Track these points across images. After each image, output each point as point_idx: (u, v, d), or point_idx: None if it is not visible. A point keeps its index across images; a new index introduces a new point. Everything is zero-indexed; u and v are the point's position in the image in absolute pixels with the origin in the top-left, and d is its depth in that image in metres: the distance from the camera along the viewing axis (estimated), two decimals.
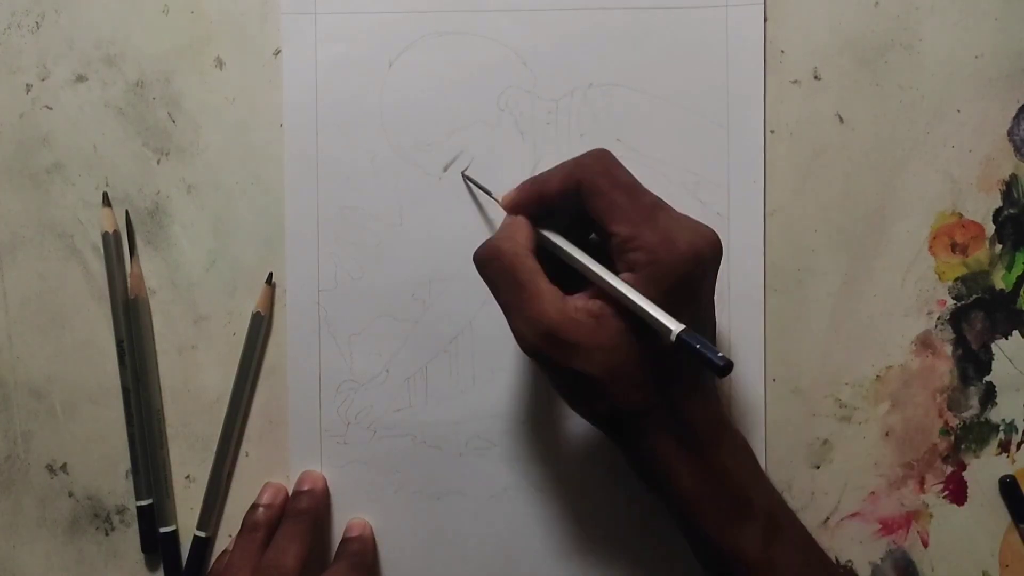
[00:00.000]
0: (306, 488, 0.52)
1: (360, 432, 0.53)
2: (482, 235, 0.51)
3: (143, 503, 0.53)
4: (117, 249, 0.53)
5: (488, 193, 0.51)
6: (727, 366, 0.40)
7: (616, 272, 0.44)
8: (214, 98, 0.53)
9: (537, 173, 0.47)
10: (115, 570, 0.54)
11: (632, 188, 0.44)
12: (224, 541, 0.54)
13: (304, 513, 0.51)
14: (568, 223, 0.47)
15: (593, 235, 0.47)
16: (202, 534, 0.53)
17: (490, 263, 0.45)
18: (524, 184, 0.47)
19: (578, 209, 0.45)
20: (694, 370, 0.45)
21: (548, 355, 0.43)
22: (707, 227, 0.44)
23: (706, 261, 0.43)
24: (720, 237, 0.44)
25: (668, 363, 0.44)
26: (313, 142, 0.52)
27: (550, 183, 0.46)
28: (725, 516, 0.44)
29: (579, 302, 0.43)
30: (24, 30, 0.53)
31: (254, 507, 0.52)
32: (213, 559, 0.53)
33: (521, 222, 0.46)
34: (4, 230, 0.54)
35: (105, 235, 0.53)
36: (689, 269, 0.42)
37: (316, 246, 0.52)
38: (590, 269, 0.44)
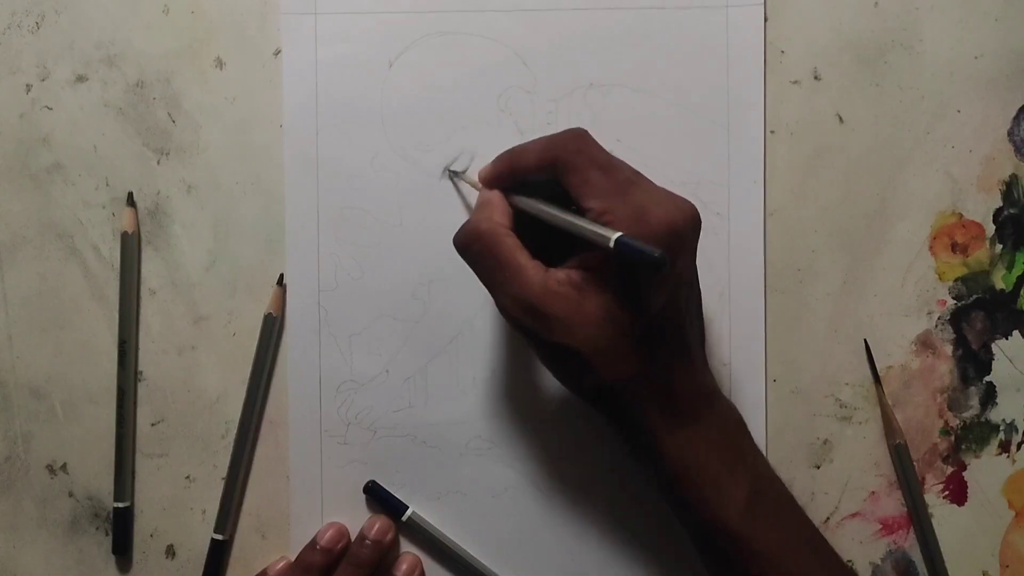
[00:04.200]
0: (374, 537, 0.52)
1: (360, 432, 0.53)
2: None
3: (120, 505, 0.54)
4: (130, 250, 0.53)
5: (475, 186, 0.51)
6: (661, 259, 0.39)
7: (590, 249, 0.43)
8: (214, 98, 0.53)
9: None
10: (115, 570, 0.54)
11: (608, 165, 0.44)
12: (242, 545, 0.54)
13: (365, 565, 0.51)
14: (541, 197, 0.47)
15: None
16: (219, 537, 0.53)
17: (471, 245, 0.45)
18: (500, 156, 0.47)
19: (552, 186, 0.45)
20: (680, 340, 0.45)
21: (533, 329, 0.43)
22: (684, 199, 0.44)
23: (682, 233, 0.43)
24: (701, 216, 0.44)
25: (654, 333, 0.44)
26: (313, 142, 0.52)
27: (526, 157, 0.46)
28: (708, 486, 0.44)
29: (560, 275, 0.43)
30: (24, 30, 0.53)
31: (313, 546, 0.52)
32: (231, 562, 0.54)
33: (496, 198, 0.47)
34: (4, 230, 0.54)
35: (124, 235, 0.53)
36: (661, 241, 0.42)
37: (316, 246, 0.52)
38: (556, 215, 0.44)
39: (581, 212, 0.44)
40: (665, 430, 0.44)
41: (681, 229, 0.43)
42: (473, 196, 0.52)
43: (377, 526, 0.52)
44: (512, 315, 0.44)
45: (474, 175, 0.51)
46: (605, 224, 0.42)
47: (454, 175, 0.52)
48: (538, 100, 0.52)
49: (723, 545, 0.44)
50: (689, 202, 0.44)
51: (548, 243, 0.45)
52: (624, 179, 0.44)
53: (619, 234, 0.41)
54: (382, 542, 0.52)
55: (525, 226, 0.46)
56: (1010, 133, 0.52)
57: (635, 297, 0.43)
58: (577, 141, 0.45)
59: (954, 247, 0.52)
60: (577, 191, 0.44)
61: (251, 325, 0.53)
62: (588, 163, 0.44)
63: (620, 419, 0.46)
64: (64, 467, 0.54)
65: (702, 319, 0.48)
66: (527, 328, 0.44)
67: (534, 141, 0.46)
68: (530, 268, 0.43)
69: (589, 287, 0.43)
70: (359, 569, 0.51)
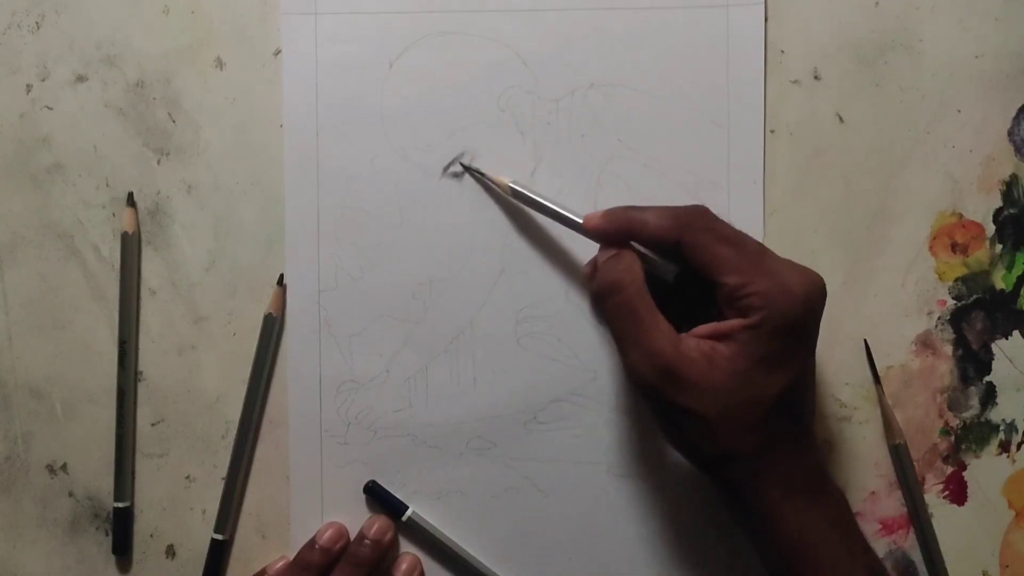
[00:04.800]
0: (373, 537, 0.52)
1: (360, 432, 0.53)
2: (483, 236, 0.52)
3: (120, 505, 0.54)
4: (130, 250, 0.53)
5: (489, 180, 0.51)
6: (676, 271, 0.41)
7: (724, 319, 0.44)
8: (214, 98, 0.53)
9: (631, 208, 0.47)
10: (115, 570, 0.54)
11: (736, 239, 0.44)
12: (242, 544, 0.54)
13: (364, 564, 0.51)
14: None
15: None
16: (219, 537, 0.53)
17: (612, 296, 0.45)
18: (615, 212, 0.47)
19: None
20: (799, 418, 0.45)
21: (663, 391, 0.43)
22: (814, 272, 0.44)
23: (817, 306, 0.44)
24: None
25: (780, 406, 0.44)
26: (313, 142, 0.52)
27: (647, 226, 0.46)
28: (827, 569, 0.44)
29: (691, 341, 0.44)
30: (24, 30, 0.53)
31: (311, 545, 0.52)
32: (231, 562, 0.54)
33: (632, 256, 0.46)
34: (4, 230, 0.54)
35: (124, 235, 0.53)
36: (803, 312, 0.43)
37: (316, 246, 0.52)
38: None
39: (714, 286, 0.44)
40: (786, 506, 0.44)
41: (816, 299, 0.44)
42: (476, 193, 0.52)
43: (376, 526, 0.52)
44: (642, 373, 0.44)
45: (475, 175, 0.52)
46: (747, 296, 0.43)
47: (471, 170, 0.52)
48: (538, 100, 0.52)
49: None
50: (817, 273, 0.44)
51: (668, 311, 0.45)
52: (755, 252, 0.44)
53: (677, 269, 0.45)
54: (381, 541, 0.52)
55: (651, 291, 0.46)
56: (1010, 133, 0.52)
57: (768, 369, 0.43)
58: (701, 219, 0.45)
59: (954, 247, 0.52)
60: (708, 268, 0.44)
61: (251, 325, 0.53)
62: (716, 240, 0.44)
63: (736, 492, 0.45)
64: (64, 467, 0.54)
65: (815, 395, 0.48)
66: (655, 388, 0.44)
67: (652, 211, 0.46)
68: (666, 330, 0.44)
69: (720, 356, 0.43)
70: (358, 568, 0.51)
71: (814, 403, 0.48)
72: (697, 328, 0.44)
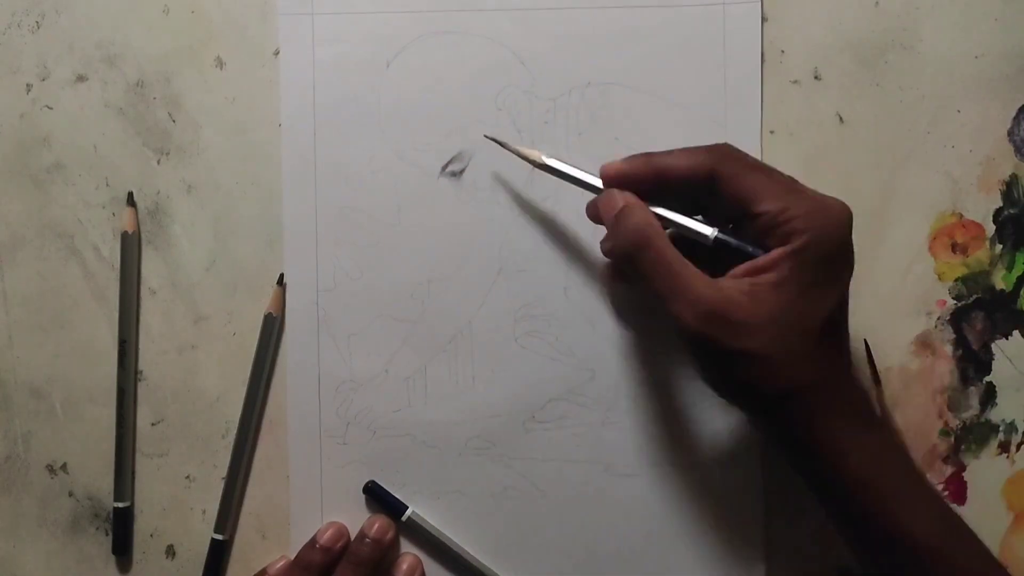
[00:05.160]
0: (374, 536, 0.52)
1: (360, 432, 0.53)
2: (481, 236, 0.52)
3: (120, 505, 0.54)
4: (130, 250, 0.53)
5: (516, 151, 0.50)
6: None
7: (767, 249, 0.43)
8: (214, 98, 0.53)
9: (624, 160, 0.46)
10: (115, 570, 0.54)
11: (766, 168, 0.44)
12: (242, 544, 0.54)
13: (365, 563, 0.51)
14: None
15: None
16: (219, 537, 0.53)
17: (641, 252, 0.44)
18: (636, 159, 0.46)
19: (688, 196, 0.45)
20: (846, 348, 0.45)
21: (713, 337, 0.42)
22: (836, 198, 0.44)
23: (849, 227, 0.43)
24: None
25: (829, 333, 0.43)
26: (311, 142, 0.52)
27: (675, 165, 0.45)
28: (896, 498, 0.43)
29: (728, 282, 0.43)
30: (24, 30, 0.53)
31: (312, 544, 0.52)
32: (231, 562, 0.54)
33: (645, 207, 0.45)
34: (4, 230, 0.54)
35: (124, 235, 0.53)
36: (845, 232, 0.43)
37: (315, 246, 0.52)
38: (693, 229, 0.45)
39: (752, 217, 0.43)
40: (851, 437, 0.43)
41: (851, 221, 0.43)
42: (475, 192, 0.52)
43: (377, 525, 0.52)
44: (691, 324, 0.43)
45: (474, 175, 0.52)
46: (789, 221, 0.42)
47: (494, 140, 0.51)
48: (536, 99, 0.52)
49: (911, 561, 0.42)
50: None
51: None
52: (788, 179, 0.44)
53: (715, 230, 0.44)
54: (382, 541, 0.52)
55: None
56: (1010, 133, 0.52)
57: (814, 294, 0.42)
58: (729, 149, 0.45)
59: (954, 247, 0.52)
60: (744, 197, 0.43)
61: (251, 325, 0.53)
62: (749, 168, 0.44)
63: (795, 429, 0.44)
64: (64, 467, 0.54)
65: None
66: (704, 335, 0.43)
67: (679, 151, 0.45)
68: (701, 277, 0.43)
69: (762, 290, 0.42)
70: (359, 567, 0.51)
71: (848, 333, 0.47)
72: (733, 269, 0.43)
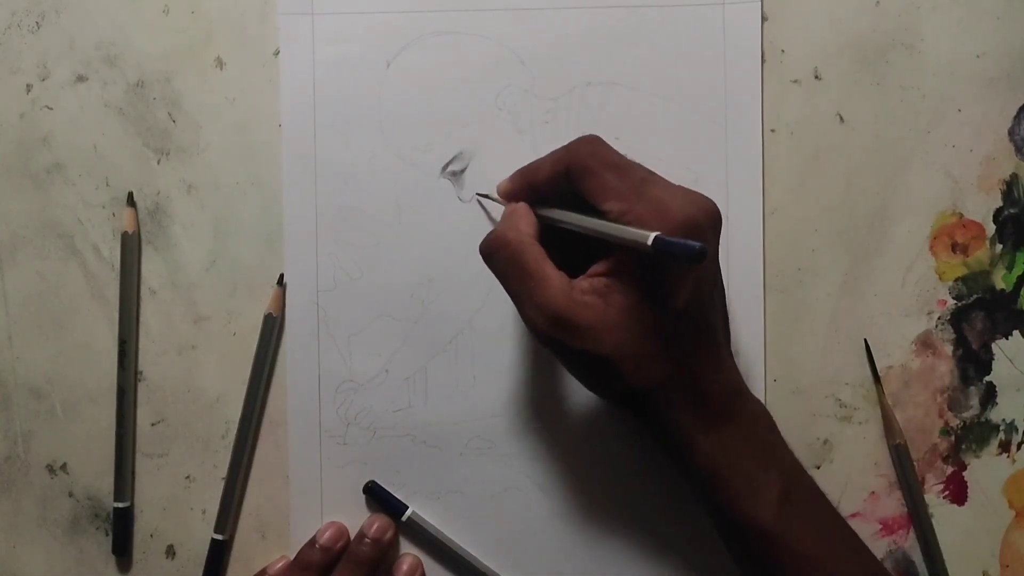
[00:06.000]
0: (373, 536, 0.52)
1: (360, 432, 0.53)
2: (481, 233, 0.51)
3: (120, 505, 0.54)
4: (130, 250, 0.53)
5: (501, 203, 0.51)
6: (702, 251, 0.39)
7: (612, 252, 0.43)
8: (214, 98, 0.53)
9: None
10: (115, 570, 0.54)
11: (621, 166, 0.44)
12: (242, 544, 0.54)
13: (365, 563, 0.51)
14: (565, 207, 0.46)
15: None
16: (219, 537, 0.53)
17: (496, 253, 0.45)
18: (516, 173, 0.48)
19: (573, 196, 0.45)
20: (708, 338, 0.45)
21: (560, 340, 0.43)
22: (702, 195, 0.44)
23: (702, 227, 0.43)
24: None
25: (681, 333, 0.43)
26: (311, 142, 0.52)
27: (541, 170, 0.46)
28: (741, 486, 0.44)
29: (584, 284, 0.43)
30: (24, 30, 0.53)
31: (312, 544, 0.52)
32: (231, 562, 0.54)
33: (523, 209, 0.47)
34: (4, 230, 0.54)
35: (124, 235, 0.53)
36: (683, 236, 0.41)
37: (315, 246, 0.52)
38: (584, 222, 0.44)
39: (600, 215, 0.43)
40: (699, 431, 0.44)
41: (701, 223, 0.43)
42: (474, 191, 0.52)
43: (376, 524, 0.52)
44: (538, 326, 0.44)
45: (473, 174, 0.52)
46: (628, 224, 0.42)
47: (481, 196, 0.52)
48: (536, 99, 0.52)
49: (757, 545, 0.44)
50: (707, 198, 0.44)
51: (574, 255, 0.45)
52: (639, 178, 0.44)
53: (656, 233, 0.40)
54: (381, 540, 0.52)
55: (550, 239, 0.46)
56: (1011, 132, 0.52)
57: (659, 297, 0.43)
58: (589, 145, 0.45)
59: (954, 247, 0.52)
60: (594, 195, 0.44)
61: (251, 325, 0.53)
62: (601, 166, 0.44)
63: (653, 423, 0.45)
64: (64, 467, 0.54)
65: (727, 316, 0.48)
66: (554, 339, 0.43)
67: (548, 155, 0.46)
68: (555, 278, 0.43)
69: (613, 293, 0.43)
70: (359, 567, 0.51)
71: (726, 322, 0.47)
72: (593, 266, 0.44)
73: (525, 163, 0.49)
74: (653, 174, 0.44)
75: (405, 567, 0.52)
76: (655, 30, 0.52)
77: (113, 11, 0.53)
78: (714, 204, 0.44)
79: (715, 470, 0.44)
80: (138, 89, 0.53)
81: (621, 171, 0.44)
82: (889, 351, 0.52)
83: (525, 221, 0.46)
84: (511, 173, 0.49)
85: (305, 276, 0.53)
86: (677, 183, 0.51)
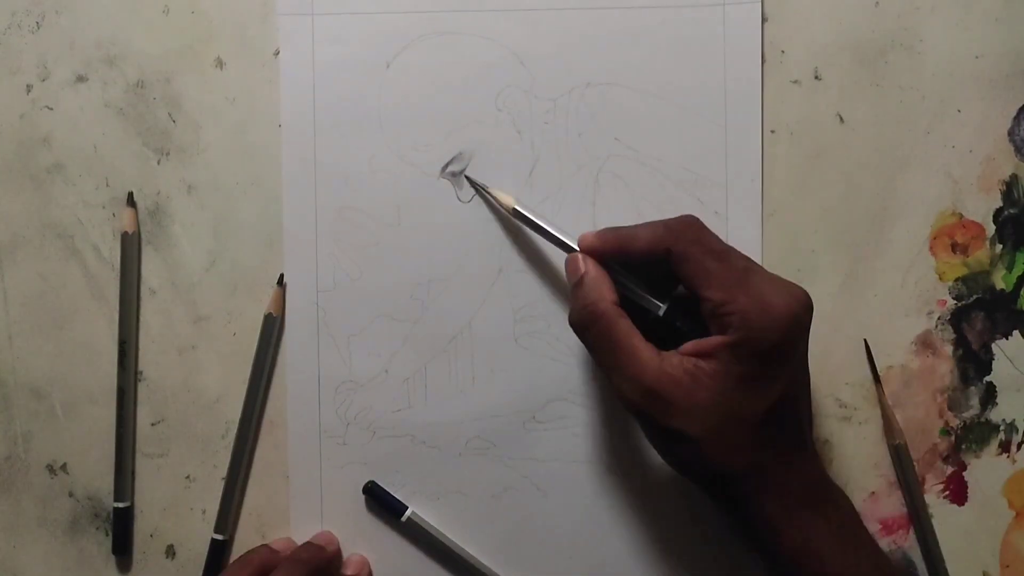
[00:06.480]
0: (315, 542, 0.52)
1: (359, 433, 0.53)
2: (481, 236, 0.52)
3: (120, 505, 0.54)
4: (130, 250, 0.53)
5: (487, 193, 0.51)
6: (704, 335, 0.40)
7: (708, 335, 0.44)
8: (214, 98, 0.53)
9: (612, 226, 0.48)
10: (115, 570, 0.54)
11: (723, 254, 0.44)
12: (242, 545, 0.54)
13: (303, 563, 0.50)
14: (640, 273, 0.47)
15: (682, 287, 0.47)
16: (219, 537, 0.53)
17: (591, 326, 0.45)
18: (606, 233, 0.47)
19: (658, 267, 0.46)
20: (795, 428, 0.45)
21: (649, 412, 0.44)
22: (799, 288, 0.44)
23: (802, 323, 0.44)
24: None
25: (770, 422, 0.44)
26: (311, 143, 0.52)
27: (637, 241, 0.46)
28: (834, 570, 0.44)
29: (675, 359, 0.44)
30: (24, 30, 0.53)
31: (261, 546, 0.52)
32: (231, 562, 0.53)
33: (604, 278, 0.47)
34: (4, 230, 0.54)
35: (124, 235, 0.53)
36: (784, 333, 0.42)
37: (315, 247, 0.52)
38: (638, 298, 0.46)
39: (699, 300, 0.44)
40: (784, 520, 0.44)
41: (801, 318, 0.43)
42: (474, 192, 0.52)
43: (325, 536, 0.52)
44: (629, 398, 0.44)
45: (474, 174, 0.52)
46: (727, 315, 0.43)
47: (474, 184, 0.52)
48: (536, 99, 0.52)
49: None
50: (803, 290, 0.44)
51: (651, 324, 0.46)
52: (741, 268, 0.44)
53: (666, 305, 0.44)
54: (323, 548, 0.51)
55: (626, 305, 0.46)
56: (1010, 133, 0.52)
57: (752, 387, 0.43)
58: (691, 229, 0.45)
59: (954, 247, 0.52)
60: (694, 281, 0.44)
61: (251, 325, 0.53)
62: (704, 253, 0.44)
63: (734, 508, 0.45)
64: (64, 467, 0.54)
65: (811, 405, 0.48)
66: (643, 411, 0.44)
67: (643, 226, 0.46)
68: (645, 351, 0.44)
69: (704, 374, 0.43)
70: (295, 569, 0.49)
71: (810, 413, 0.48)
72: (684, 345, 0.44)
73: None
74: (752, 262, 0.45)
75: (351, 569, 0.52)
76: (655, 30, 0.52)
77: (113, 11, 0.53)
78: (808, 296, 0.44)
79: (804, 561, 0.44)
80: (138, 89, 0.53)
81: (723, 259, 0.44)
82: (889, 351, 0.52)
83: (609, 290, 0.46)
84: (600, 228, 0.48)
85: (305, 276, 0.53)
86: (677, 183, 0.51)
